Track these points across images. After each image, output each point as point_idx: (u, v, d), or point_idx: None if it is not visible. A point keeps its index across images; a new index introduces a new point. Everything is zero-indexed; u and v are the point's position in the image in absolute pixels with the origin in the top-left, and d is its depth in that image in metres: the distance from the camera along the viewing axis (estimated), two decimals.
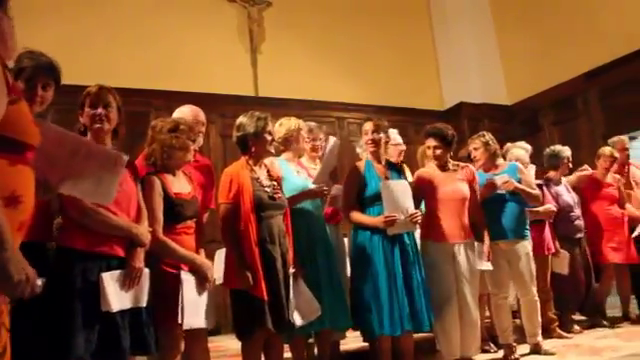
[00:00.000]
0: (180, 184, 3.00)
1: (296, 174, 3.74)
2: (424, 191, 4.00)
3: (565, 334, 4.84)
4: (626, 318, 5.42)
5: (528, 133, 8.46)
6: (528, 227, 4.37)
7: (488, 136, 4.46)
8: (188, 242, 2.93)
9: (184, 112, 3.63)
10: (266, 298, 3.00)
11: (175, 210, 2.88)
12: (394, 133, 4.57)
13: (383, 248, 3.62)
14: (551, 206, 4.93)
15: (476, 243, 3.98)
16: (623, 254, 5.39)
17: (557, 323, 4.90)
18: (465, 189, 4.01)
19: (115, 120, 2.66)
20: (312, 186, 3.71)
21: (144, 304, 2.56)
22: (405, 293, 3.56)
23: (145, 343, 2.53)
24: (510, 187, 4.20)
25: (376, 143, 3.86)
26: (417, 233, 3.98)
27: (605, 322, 5.27)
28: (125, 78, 5.94)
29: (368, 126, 3.90)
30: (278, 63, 7.97)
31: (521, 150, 5.12)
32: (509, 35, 9.15)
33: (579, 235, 5.28)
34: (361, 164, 3.86)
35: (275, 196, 3.24)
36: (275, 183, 3.32)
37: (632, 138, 7.07)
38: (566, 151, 5.39)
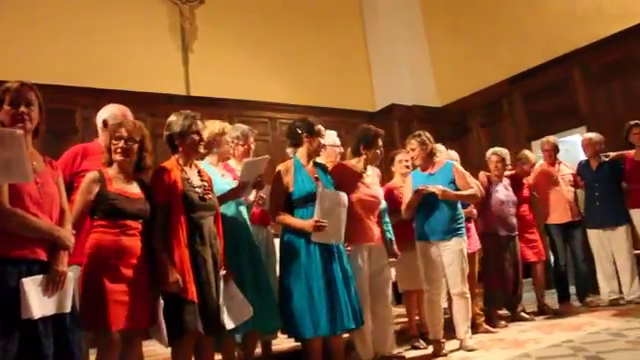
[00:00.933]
0: (124, 184, 2.96)
1: (220, 177, 3.67)
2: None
3: (491, 329, 4.99)
4: (542, 312, 5.71)
5: (457, 134, 8.72)
6: (463, 225, 4.45)
7: (424, 135, 4.52)
8: (125, 242, 2.85)
9: (111, 111, 3.54)
10: (196, 301, 2.96)
11: (109, 205, 2.83)
12: (332, 135, 4.60)
13: (310, 249, 3.59)
14: (473, 208, 5.10)
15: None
16: (537, 252, 5.78)
17: (483, 318, 5.06)
18: (380, 192, 4.18)
19: (37, 119, 2.51)
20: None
21: (68, 309, 2.45)
22: (342, 292, 3.56)
23: (69, 350, 2.43)
24: (445, 197, 4.26)
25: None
26: None
27: (527, 315, 5.50)
28: (50, 74, 5.73)
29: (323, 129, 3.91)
30: (210, 62, 7.87)
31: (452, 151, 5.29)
32: (439, 39, 9.40)
33: (510, 233, 5.46)
34: (290, 164, 3.81)
35: (206, 197, 3.19)
36: (206, 184, 3.27)
37: None
38: (492, 152, 5.60)
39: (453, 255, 4.29)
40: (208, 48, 7.96)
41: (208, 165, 3.65)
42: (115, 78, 6.80)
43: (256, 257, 3.71)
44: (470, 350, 4.23)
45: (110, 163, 2.99)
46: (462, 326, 4.33)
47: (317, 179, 3.73)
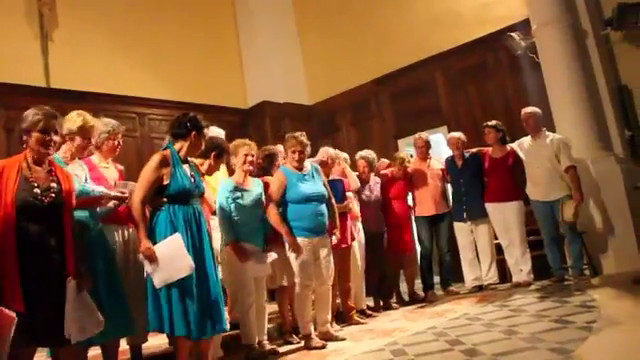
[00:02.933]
0: None
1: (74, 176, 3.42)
2: None
3: (362, 320, 5.18)
4: (412, 301, 6.07)
5: (327, 132, 8.92)
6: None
7: (306, 138, 4.65)
8: None
9: None
10: (23, 311, 2.68)
11: None
12: (221, 134, 4.67)
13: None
14: (349, 203, 5.27)
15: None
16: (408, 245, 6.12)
17: (355, 311, 5.24)
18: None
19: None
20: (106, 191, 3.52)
21: None
22: (207, 294, 3.47)
23: None
24: None
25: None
26: None
27: (395, 304, 5.88)
28: None
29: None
30: (72, 52, 7.42)
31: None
32: (311, 38, 9.60)
33: (378, 230, 5.85)
34: (168, 155, 3.55)
35: (44, 199, 2.91)
36: (55, 185, 2.98)
37: None
38: (359, 157, 5.95)
39: (324, 252, 4.53)
40: (70, 37, 7.49)
41: (59, 159, 3.40)
42: None
43: (110, 260, 3.56)
44: (338, 340, 4.43)
45: None
46: (325, 318, 4.59)
47: (192, 177, 3.64)
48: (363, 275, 5.54)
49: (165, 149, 3.61)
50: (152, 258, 3.30)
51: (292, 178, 4.50)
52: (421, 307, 5.69)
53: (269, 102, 9.06)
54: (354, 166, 5.87)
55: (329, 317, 4.64)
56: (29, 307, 2.71)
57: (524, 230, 5.91)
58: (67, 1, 7.58)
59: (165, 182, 3.48)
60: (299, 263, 4.41)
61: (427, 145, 6.41)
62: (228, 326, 3.66)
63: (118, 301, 3.45)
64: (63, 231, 2.94)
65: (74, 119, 3.56)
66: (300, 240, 4.40)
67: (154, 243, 3.36)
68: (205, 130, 3.71)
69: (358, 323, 5.11)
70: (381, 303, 5.85)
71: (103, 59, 7.68)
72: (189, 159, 3.72)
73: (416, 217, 6.30)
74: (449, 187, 6.42)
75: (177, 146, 3.61)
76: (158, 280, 3.31)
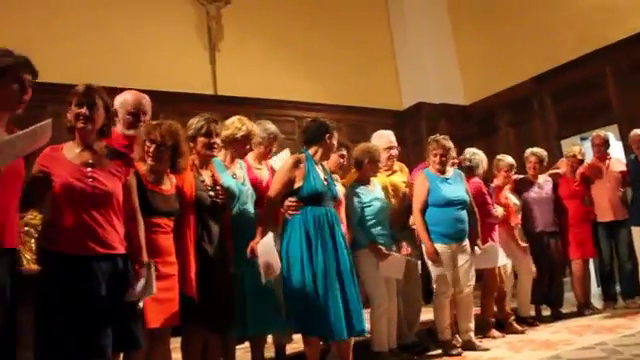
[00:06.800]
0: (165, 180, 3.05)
1: (229, 175, 3.63)
2: None
3: (521, 328, 4.94)
4: (580, 312, 5.61)
5: (484, 133, 8.63)
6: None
7: (449, 141, 4.57)
8: (162, 240, 2.94)
9: (125, 100, 3.37)
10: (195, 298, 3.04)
11: (145, 202, 2.87)
12: (390, 135, 4.71)
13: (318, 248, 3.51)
14: (501, 210, 5.08)
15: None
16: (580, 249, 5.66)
17: (513, 317, 5.02)
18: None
19: (101, 120, 2.65)
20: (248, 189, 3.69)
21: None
22: (345, 295, 3.49)
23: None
24: None
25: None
26: None
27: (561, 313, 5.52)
28: (76, 74, 5.79)
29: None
30: (236, 61, 7.92)
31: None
32: (466, 36, 9.31)
33: (546, 230, 5.49)
34: (302, 158, 3.66)
35: (216, 200, 3.28)
36: (219, 188, 3.34)
37: (583, 139, 7.30)
38: (531, 153, 5.69)
39: (464, 258, 4.42)
40: (234, 47, 8.00)
41: (220, 162, 3.65)
42: (144, 78, 6.83)
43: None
44: (480, 350, 4.32)
45: (144, 159, 3.02)
46: (466, 325, 4.45)
47: (326, 180, 3.72)
48: (531, 280, 5.28)
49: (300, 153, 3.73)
50: (254, 254, 3.39)
51: (434, 181, 4.44)
52: (587, 320, 5.27)
53: (424, 103, 8.94)
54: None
55: (471, 325, 4.47)
56: (202, 294, 3.04)
57: None
58: (231, 15, 8.12)
59: (298, 184, 3.57)
60: (436, 270, 4.33)
61: (605, 144, 5.91)
62: (368, 327, 3.69)
63: (268, 297, 3.57)
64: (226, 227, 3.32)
65: (235, 125, 3.72)
66: (438, 246, 4.31)
67: (287, 243, 3.52)
68: (335, 133, 3.78)
69: (517, 331, 4.89)
70: (543, 312, 5.51)
71: (264, 66, 8.09)
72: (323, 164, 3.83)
73: (594, 222, 5.81)
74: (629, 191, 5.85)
75: (311, 151, 3.72)
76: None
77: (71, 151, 2.60)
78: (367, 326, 3.71)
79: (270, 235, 3.40)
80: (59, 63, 6.06)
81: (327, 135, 3.71)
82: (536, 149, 5.71)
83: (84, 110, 2.58)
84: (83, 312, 2.39)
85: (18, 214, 2.34)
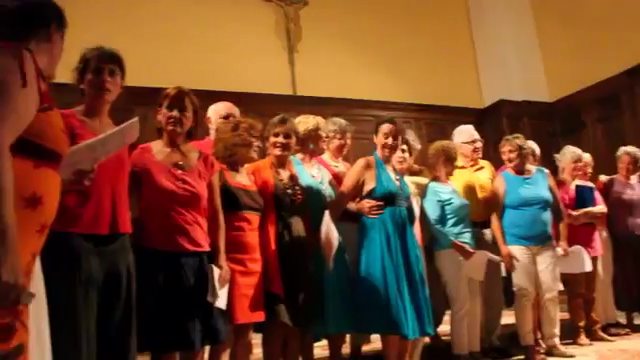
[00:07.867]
0: (241, 178, 3.14)
1: (307, 175, 3.66)
2: None
3: (607, 337, 4.74)
4: None
5: (570, 130, 8.28)
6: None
7: (522, 140, 4.45)
8: (249, 237, 3.03)
9: (217, 107, 3.66)
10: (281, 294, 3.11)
11: (232, 198, 2.98)
12: (470, 130, 4.69)
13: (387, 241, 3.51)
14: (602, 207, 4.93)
15: None
16: None
17: (599, 325, 4.82)
18: None
19: (190, 123, 2.77)
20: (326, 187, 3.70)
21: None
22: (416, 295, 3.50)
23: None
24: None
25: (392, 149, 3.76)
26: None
27: None
28: (161, 77, 6.01)
29: (387, 129, 3.72)
30: (314, 62, 8.00)
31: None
32: (549, 30, 8.96)
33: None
34: (372, 160, 3.69)
35: (295, 199, 3.34)
36: (297, 187, 3.40)
37: None
38: (624, 152, 5.41)
39: (545, 260, 4.27)
40: (313, 48, 8.09)
41: (297, 161, 3.70)
42: (224, 80, 7.05)
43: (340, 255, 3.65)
44: (563, 356, 4.19)
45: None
46: (551, 331, 4.31)
47: (397, 181, 3.69)
48: (610, 285, 5.06)
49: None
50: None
51: (511, 182, 4.33)
52: None
53: (506, 100, 8.69)
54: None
55: (556, 331, 4.30)
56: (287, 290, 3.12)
57: None
58: (309, 16, 8.23)
59: (370, 186, 3.59)
60: (514, 273, 4.21)
61: None
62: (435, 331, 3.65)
63: (349, 296, 3.55)
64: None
65: (301, 121, 3.77)
66: (516, 248, 4.19)
67: (367, 243, 3.52)
68: (384, 129, 3.72)
69: (602, 339, 4.69)
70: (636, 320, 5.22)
71: (341, 66, 8.11)
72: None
73: None
74: None
75: (378, 152, 3.75)
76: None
77: (161, 152, 2.72)
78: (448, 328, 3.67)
79: (327, 212, 3.42)
80: (145, 67, 6.30)
81: (375, 134, 3.75)
82: (630, 148, 5.41)
83: (175, 113, 2.69)
84: (174, 304, 2.51)
85: (128, 200, 2.38)
